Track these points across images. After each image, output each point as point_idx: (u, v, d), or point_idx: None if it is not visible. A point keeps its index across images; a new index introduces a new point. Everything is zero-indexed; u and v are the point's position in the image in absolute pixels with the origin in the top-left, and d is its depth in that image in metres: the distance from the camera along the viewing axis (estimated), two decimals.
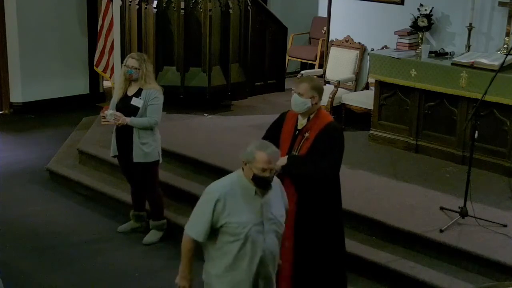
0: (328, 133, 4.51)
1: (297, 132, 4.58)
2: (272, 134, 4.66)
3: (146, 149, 5.71)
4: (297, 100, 4.53)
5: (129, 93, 5.74)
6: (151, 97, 5.67)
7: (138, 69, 5.64)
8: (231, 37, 8.12)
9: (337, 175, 4.67)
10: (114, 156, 5.97)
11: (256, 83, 9.02)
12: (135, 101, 5.68)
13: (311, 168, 4.47)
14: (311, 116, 4.55)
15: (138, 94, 5.69)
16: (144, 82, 5.67)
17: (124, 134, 5.73)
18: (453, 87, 6.54)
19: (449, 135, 6.75)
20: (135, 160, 5.72)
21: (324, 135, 4.50)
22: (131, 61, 5.67)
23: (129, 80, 5.72)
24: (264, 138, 4.70)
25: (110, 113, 5.64)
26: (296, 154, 4.55)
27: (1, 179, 7.38)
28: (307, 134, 4.53)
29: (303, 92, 4.50)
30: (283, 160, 4.43)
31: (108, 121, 5.68)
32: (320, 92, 4.57)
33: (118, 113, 5.64)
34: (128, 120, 5.64)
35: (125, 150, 5.77)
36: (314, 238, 4.61)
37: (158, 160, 5.87)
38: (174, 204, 6.36)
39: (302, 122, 4.58)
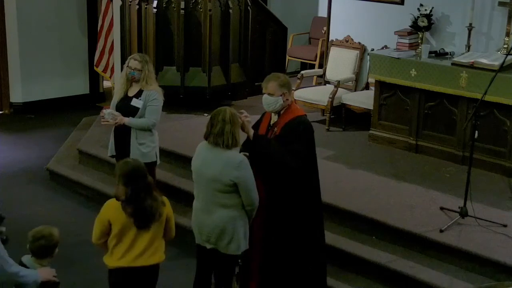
0: (292, 126, 4.61)
1: (269, 127, 4.72)
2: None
3: (143, 150, 5.72)
4: (269, 100, 4.63)
5: (130, 94, 5.75)
6: (150, 98, 5.67)
7: (140, 70, 5.65)
8: (231, 37, 8.13)
9: (315, 168, 4.74)
10: (112, 156, 5.98)
11: (256, 83, 9.00)
12: (135, 102, 5.69)
13: (273, 150, 4.53)
14: (282, 112, 4.67)
15: (138, 95, 5.70)
16: (145, 83, 5.67)
17: (122, 134, 5.74)
18: (453, 87, 6.54)
19: (449, 135, 6.75)
20: None
21: (288, 129, 4.61)
22: (133, 62, 5.67)
23: (131, 81, 5.73)
24: (246, 140, 4.78)
25: (108, 112, 5.67)
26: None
27: (1, 179, 7.38)
28: (276, 129, 4.67)
29: (273, 91, 4.60)
30: (251, 136, 4.57)
31: (107, 121, 5.69)
32: (289, 87, 4.67)
33: (116, 113, 5.66)
34: (126, 120, 5.65)
35: (122, 150, 5.78)
36: (284, 230, 4.70)
37: (156, 161, 5.87)
38: (173, 204, 6.33)
39: (274, 118, 4.72)
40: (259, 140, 4.61)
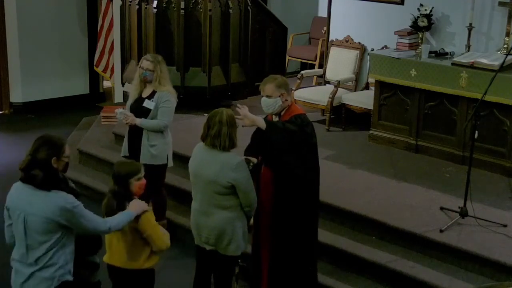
0: (289, 121, 4.55)
1: None
2: (255, 139, 4.73)
3: (154, 151, 5.70)
4: (268, 102, 4.60)
5: (144, 95, 5.75)
6: (162, 99, 5.66)
7: (153, 71, 5.64)
8: (231, 37, 8.12)
9: (315, 167, 4.70)
10: (125, 157, 5.96)
11: (256, 83, 8.97)
12: (147, 103, 5.68)
13: (281, 137, 4.46)
14: (282, 113, 4.64)
15: (151, 96, 5.70)
16: (158, 84, 5.66)
17: (136, 135, 5.74)
18: (453, 87, 6.54)
19: (449, 135, 6.75)
20: (141, 161, 5.71)
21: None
22: (145, 63, 5.66)
23: (144, 82, 5.72)
24: (250, 144, 4.75)
25: (120, 112, 5.67)
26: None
27: (1, 179, 7.38)
28: None
29: (271, 93, 4.57)
30: (262, 123, 4.46)
31: (108, 121, 5.69)
32: (286, 87, 4.63)
33: (129, 113, 5.65)
34: (138, 121, 5.64)
35: (135, 151, 5.77)
36: (290, 229, 4.68)
37: (166, 164, 5.84)
38: (174, 204, 6.35)
39: (275, 119, 4.68)
40: (272, 123, 4.54)
